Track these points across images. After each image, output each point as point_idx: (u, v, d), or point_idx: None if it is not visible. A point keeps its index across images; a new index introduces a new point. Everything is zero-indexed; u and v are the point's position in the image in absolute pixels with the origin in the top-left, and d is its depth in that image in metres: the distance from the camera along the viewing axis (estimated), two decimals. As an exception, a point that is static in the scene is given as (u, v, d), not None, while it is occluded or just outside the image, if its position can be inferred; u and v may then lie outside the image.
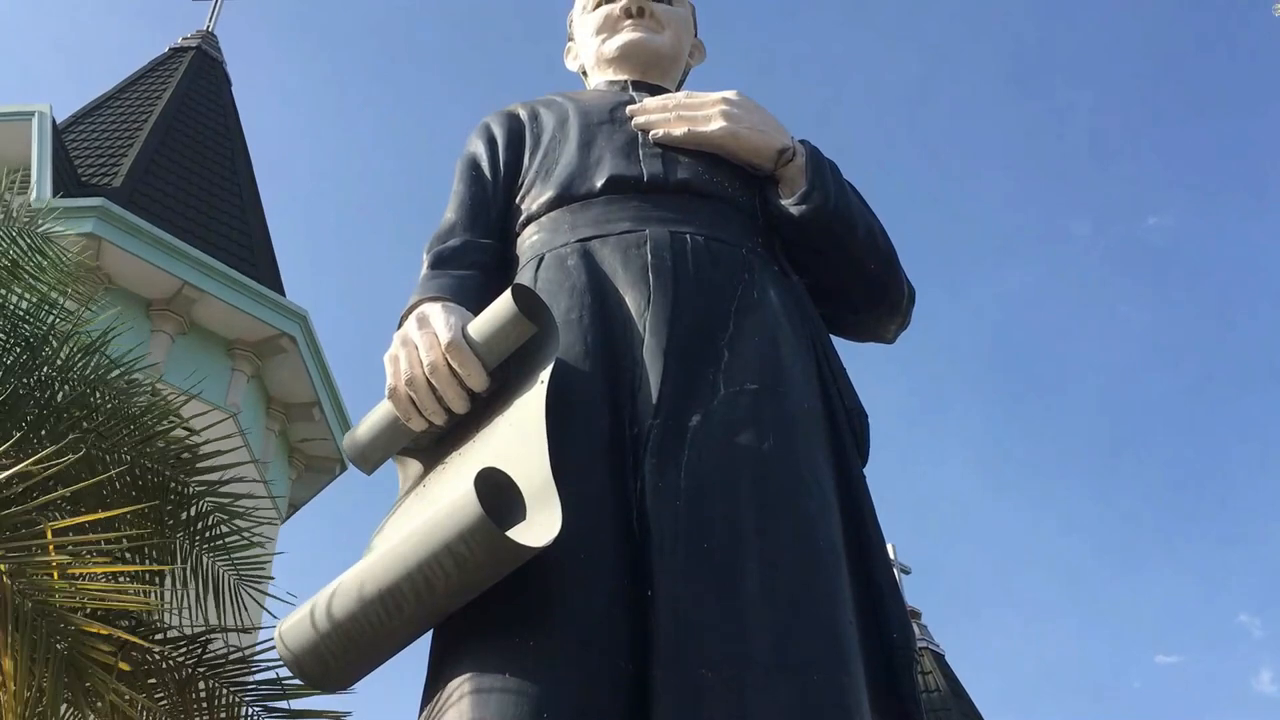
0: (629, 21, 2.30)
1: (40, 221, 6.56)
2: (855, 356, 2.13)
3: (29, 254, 6.35)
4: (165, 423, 6.14)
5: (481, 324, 1.63)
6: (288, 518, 13.63)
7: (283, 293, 13.69)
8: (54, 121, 12.38)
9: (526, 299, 1.62)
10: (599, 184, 1.92)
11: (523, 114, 2.18)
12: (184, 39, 16.71)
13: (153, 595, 5.67)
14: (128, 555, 5.53)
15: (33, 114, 12.17)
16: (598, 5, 2.37)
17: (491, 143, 2.12)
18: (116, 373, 6.14)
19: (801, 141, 2.03)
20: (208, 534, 6.15)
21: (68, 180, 12.13)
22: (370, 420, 1.72)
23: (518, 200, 2.02)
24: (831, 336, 1.96)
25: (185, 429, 6.35)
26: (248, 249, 13.70)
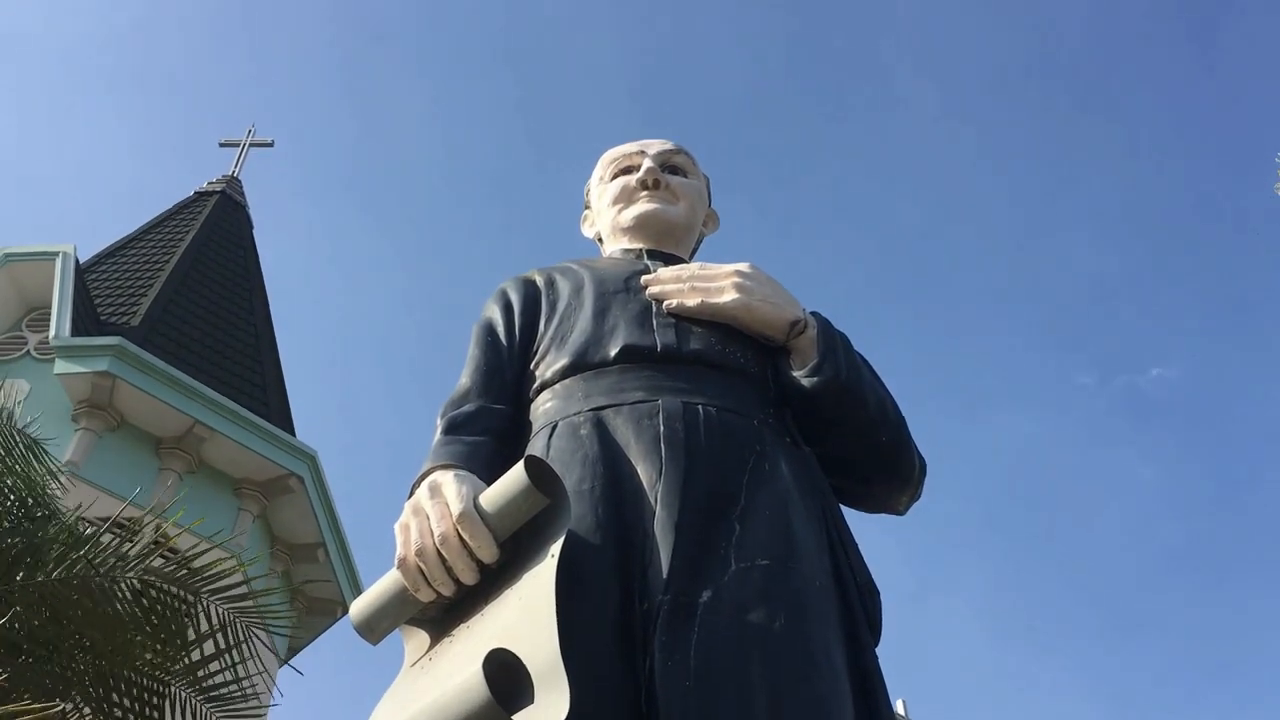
0: (645, 193, 2.37)
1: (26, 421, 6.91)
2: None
3: (24, 455, 6.65)
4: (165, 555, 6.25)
5: (494, 495, 1.63)
6: (287, 660, 13.36)
7: (293, 432, 13.72)
8: (77, 261, 12.64)
9: (539, 470, 1.62)
10: (613, 353, 1.95)
11: (539, 280, 2.22)
12: (209, 183, 17.20)
13: None
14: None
15: (57, 254, 12.44)
16: (615, 176, 2.44)
17: (508, 308, 2.16)
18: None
19: (813, 313, 2.06)
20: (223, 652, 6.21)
21: (86, 319, 12.31)
22: (377, 589, 1.71)
23: (532, 366, 2.04)
24: (842, 507, 1.96)
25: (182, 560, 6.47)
26: (260, 388, 13.81)
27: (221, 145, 18.45)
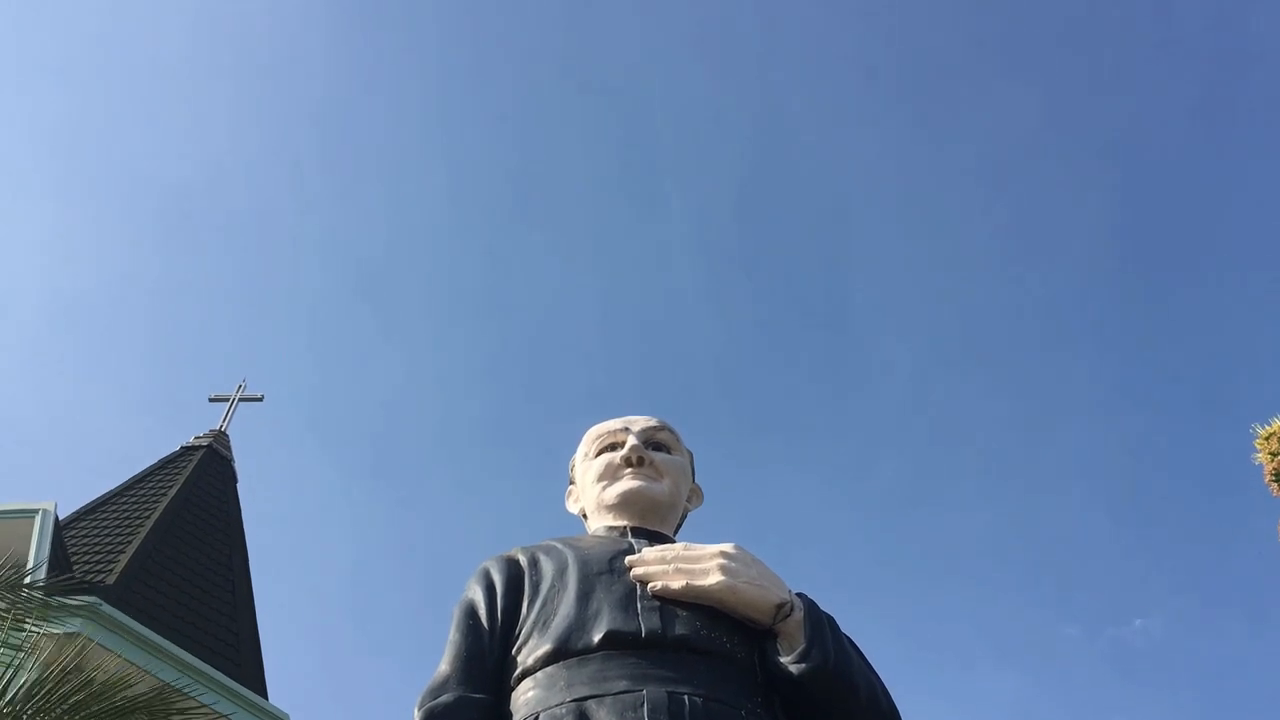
0: (629, 470, 2.38)
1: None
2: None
3: None
4: None
5: None
6: None
7: (265, 693, 13.22)
8: (57, 519, 12.50)
9: None
10: (596, 639, 1.91)
11: (522, 560, 2.20)
12: (196, 438, 17.21)
13: None
14: None
15: (36, 511, 12.31)
16: (599, 453, 2.46)
17: (490, 590, 2.12)
18: None
19: (799, 595, 2.03)
20: None
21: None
22: None
23: (514, 651, 1.99)
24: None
25: None
26: (234, 648, 13.40)
27: (211, 400, 18.59)
